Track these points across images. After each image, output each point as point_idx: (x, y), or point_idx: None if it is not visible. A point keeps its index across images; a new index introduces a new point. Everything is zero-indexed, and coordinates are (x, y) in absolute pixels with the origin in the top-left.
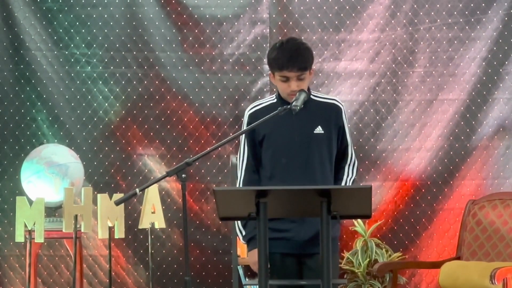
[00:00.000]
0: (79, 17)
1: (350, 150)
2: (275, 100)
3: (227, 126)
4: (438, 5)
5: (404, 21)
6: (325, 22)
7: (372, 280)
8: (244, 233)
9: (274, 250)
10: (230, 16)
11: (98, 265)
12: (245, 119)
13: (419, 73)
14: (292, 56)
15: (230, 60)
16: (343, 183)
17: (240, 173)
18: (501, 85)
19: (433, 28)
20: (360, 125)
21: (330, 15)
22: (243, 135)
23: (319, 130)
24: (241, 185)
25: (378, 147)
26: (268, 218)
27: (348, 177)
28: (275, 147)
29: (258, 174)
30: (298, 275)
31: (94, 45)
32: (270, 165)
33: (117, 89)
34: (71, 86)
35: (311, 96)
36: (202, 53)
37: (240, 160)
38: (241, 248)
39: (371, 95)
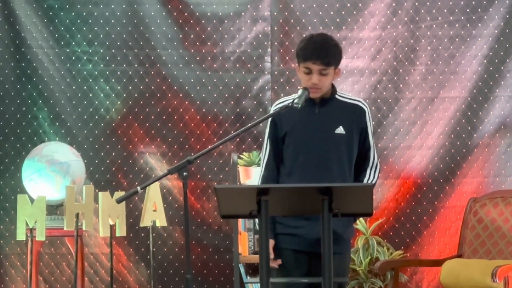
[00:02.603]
0: (81, 15)
1: (373, 153)
2: None
3: (229, 124)
4: (439, 3)
5: (406, 18)
6: (326, 20)
7: (373, 278)
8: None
9: (285, 246)
10: (231, 13)
11: (100, 263)
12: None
13: (421, 71)
14: (317, 48)
15: (232, 58)
16: None
17: (262, 169)
18: (502, 82)
19: (434, 25)
20: None
21: (332, 12)
22: (267, 131)
23: (340, 130)
24: (260, 181)
25: (379, 145)
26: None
27: (369, 180)
28: (295, 144)
29: (277, 170)
30: (308, 272)
31: (96, 43)
32: (289, 162)
33: (119, 87)
34: (73, 84)
35: (336, 96)
36: (203, 51)
37: (262, 155)
38: (243, 246)
39: (373, 93)
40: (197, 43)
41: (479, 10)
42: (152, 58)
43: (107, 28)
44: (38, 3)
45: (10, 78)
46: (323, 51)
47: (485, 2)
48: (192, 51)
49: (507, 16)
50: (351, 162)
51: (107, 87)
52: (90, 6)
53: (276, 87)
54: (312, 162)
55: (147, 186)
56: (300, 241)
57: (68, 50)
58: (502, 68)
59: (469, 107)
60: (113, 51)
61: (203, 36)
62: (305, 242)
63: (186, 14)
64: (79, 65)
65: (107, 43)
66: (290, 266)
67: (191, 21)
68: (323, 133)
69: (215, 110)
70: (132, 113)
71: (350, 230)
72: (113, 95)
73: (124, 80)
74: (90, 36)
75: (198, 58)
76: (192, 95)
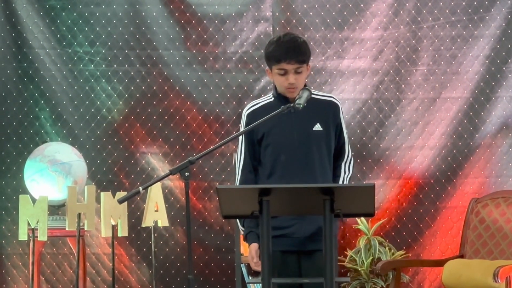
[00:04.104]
0: (82, 15)
1: (347, 148)
2: (273, 99)
3: (230, 124)
4: (441, 3)
5: (407, 19)
6: (328, 20)
7: (375, 278)
8: (243, 232)
9: (274, 248)
10: (233, 14)
11: (101, 264)
12: (243, 119)
13: (422, 71)
14: (289, 48)
15: (233, 58)
16: (340, 181)
17: (238, 173)
18: (504, 83)
19: (436, 26)
20: (363, 123)
21: (333, 13)
22: (241, 135)
23: (318, 127)
24: (237, 185)
25: (381, 145)
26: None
27: (346, 175)
28: (275, 144)
29: (254, 173)
30: (298, 272)
31: (97, 43)
32: (269, 163)
33: (120, 87)
34: (74, 84)
35: None
36: (205, 51)
37: (238, 160)
38: (244, 246)
39: (374, 93)
40: (199, 44)
41: (481, 10)
42: (154, 58)
43: (109, 29)
44: (40, 3)
45: (12, 79)
46: (295, 50)
47: (486, 3)
48: (194, 51)
49: (509, 16)
50: (330, 158)
51: (109, 88)
52: (92, 7)
53: None
54: (293, 161)
55: (149, 186)
56: (289, 241)
57: (70, 51)
58: (504, 68)
59: (471, 108)
60: (115, 51)
61: (205, 36)
62: (294, 241)
63: (188, 14)
64: (81, 66)
65: (109, 43)
66: (279, 268)
67: (193, 22)
68: (302, 131)
69: (217, 110)
70: (134, 113)
71: (335, 226)
72: (115, 95)
73: (126, 80)
74: (92, 36)
75: (200, 58)
76: (194, 95)
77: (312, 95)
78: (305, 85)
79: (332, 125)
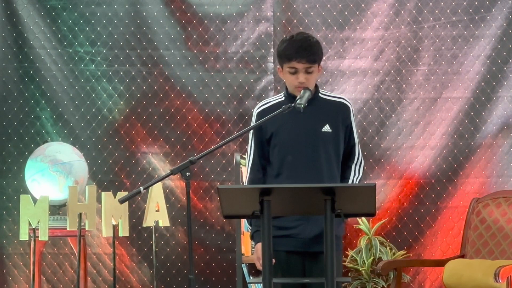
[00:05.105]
0: (83, 15)
1: (357, 150)
2: (283, 98)
3: (231, 124)
4: (442, 3)
5: (408, 19)
6: (329, 20)
7: (376, 278)
8: (251, 230)
9: (279, 248)
10: (234, 14)
11: (102, 263)
12: (254, 118)
13: (423, 71)
14: (301, 47)
15: (234, 58)
16: (349, 182)
17: (247, 172)
18: (505, 83)
19: (437, 26)
20: (364, 123)
21: (334, 13)
22: (251, 134)
23: (327, 128)
24: (246, 184)
25: (382, 145)
26: (273, 216)
27: (355, 177)
28: (282, 144)
29: (263, 173)
30: (302, 273)
31: (98, 43)
32: (277, 163)
33: (121, 87)
34: (75, 84)
35: (320, 94)
36: (206, 51)
37: (247, 159)
38: (245, 246)
39: (375, 93)
40: (200, 43)
41: (482, 10)
42: (155, 58)
43: (109, 28)
44: (40, 3)
45: (13, 78)
46: (307, 49)
47: (487, 3)
48: (194, 51)
49: (510, 16)
50: (339, 160)
51: (110, 87)
52: (92, 7)
53: (278, 87)
54: (300, 162)
55: (150, 186)
56: (294, 242)
57: (70, 50)
58: (504, 68)
59: (471, 108)
60: (115, 51)
61: (205, 36)
62: (299, 242)
63: (188, 14)
64: (82, 65)
65: (109, 43)
66: (284, 268)
67: (194, 21)
68: (311, 132)
69: (218, 110)
70: (135, 113)
71: (341, 228)
72: (116, 95)
73: (127, 80)
74: (92, 36)
75: (200, 58)
76: (195, 95)
77: (323, 96)
78: (316, 86)
79: (342, 127)
